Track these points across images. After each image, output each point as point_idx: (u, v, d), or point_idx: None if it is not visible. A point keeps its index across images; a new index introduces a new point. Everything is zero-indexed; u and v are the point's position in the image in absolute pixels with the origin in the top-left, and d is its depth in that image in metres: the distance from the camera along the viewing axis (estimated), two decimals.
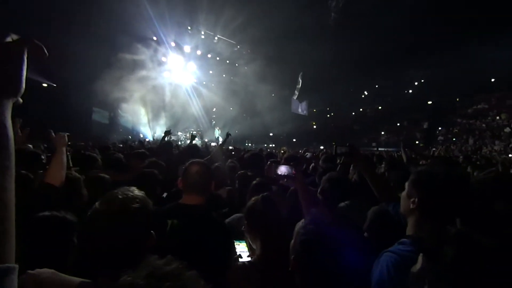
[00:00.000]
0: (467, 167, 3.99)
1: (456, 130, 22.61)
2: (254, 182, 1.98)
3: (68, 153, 2.75)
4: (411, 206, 1.12)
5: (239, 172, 2.55)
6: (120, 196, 0.94)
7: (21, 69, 0.44)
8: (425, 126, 25.05)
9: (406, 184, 1.19)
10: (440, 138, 22.86)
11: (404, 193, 1.20)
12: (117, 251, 0.88)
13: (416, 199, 1.10)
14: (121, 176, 2.63)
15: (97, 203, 0.95)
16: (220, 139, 21.93)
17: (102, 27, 15.38)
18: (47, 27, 12.01)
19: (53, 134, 2.01)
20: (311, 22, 21.47)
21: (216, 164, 2.88)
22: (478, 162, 5.28)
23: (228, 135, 4.27)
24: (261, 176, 2.18)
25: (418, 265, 0.79)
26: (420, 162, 4.06)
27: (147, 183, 1.92)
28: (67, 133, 1.92)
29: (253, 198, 1.36)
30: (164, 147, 3.55)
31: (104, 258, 0.89)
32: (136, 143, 8.44)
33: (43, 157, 2.62)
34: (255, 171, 2.60)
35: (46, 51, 0.46)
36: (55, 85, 14.91)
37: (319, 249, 0.96)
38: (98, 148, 5.35)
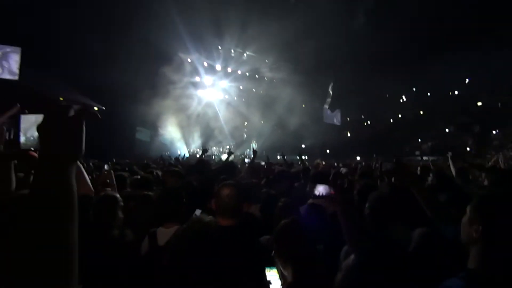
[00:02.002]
0: None
1: None
2: (280, 204, 1.93)
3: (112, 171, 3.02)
4: (474, 234, 0.99)
5: (262, 191, 2.51)
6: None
7: (82, 137, 0.58)
8: (476, 130, 22.53)
9: (468, 208, 1.07)
10: (495, 142, 20.34)
11: (465, 219, 1.06)
12: None
13: (480, 227, 0.97)
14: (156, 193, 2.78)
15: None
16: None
17: (142, 54, 16.95)
18: (98, 59, 13.62)
19: None
20: (340, 30, 21.12)
21: (248, 181, 2.89)
22: None
23: (255, 152, 4.28)
24: (286, 195, 2.12)
25: None
26: (471, 175, 3.62)
27: (171, 201, 1.99)
28: None
29: (282, 221, 1.33)
30: (198, 166, 3.66)
31: None
32: (173, 160, 8.90)
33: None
34: (279, 189, 2.55)
35: (99, 115, 0.61)
36: (104, 108, 16.61)
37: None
38: (138, 166, 5.78)
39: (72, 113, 0.57)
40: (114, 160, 7.29)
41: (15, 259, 0.47)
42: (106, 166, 2.88)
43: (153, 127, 20.40)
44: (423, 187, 1.61)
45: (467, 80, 25.91)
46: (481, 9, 18.48)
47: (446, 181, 2.96)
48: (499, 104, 22.94)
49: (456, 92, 26.77)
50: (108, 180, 2.77)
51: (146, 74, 17.28)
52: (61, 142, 0.55)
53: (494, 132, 21.52)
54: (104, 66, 13.93)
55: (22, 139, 0.72)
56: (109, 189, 2.51)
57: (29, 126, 0.71)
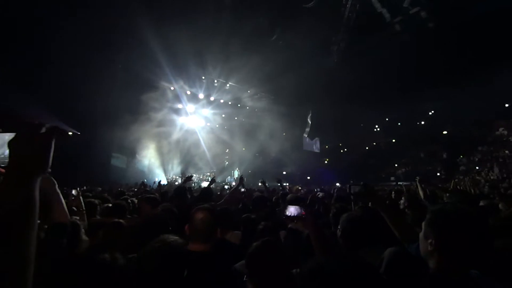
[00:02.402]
0: (494, 198, 3.72)
1: (477, 159, 21.56)
2: (260, 227, 1.91)
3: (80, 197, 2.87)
4: (429, 248, 1.06)
5: (242, 216, 2.49)
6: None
7: (50, 152, 0.62)
8: (444, 156, 24.13)
9: (423, 224, 1.14)
10: (462, 168, 21.76)
11: (421, 234, 1.14)
12: None
13: (433, 241, 1.04)
14: (130, 220, 2.66)
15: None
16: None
17: (123, 80, 16.94)
18: (73, 80, 13.34)
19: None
20: (317, 64, 22.66)
21: (224, 206, 2.85)
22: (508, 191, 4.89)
23: (242, 178, 4.29)
24: (265, 219, 2.12)
25: None
26: (441, 196, 3.84)
27: (155, 229, 1.91)
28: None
29: (253, 244, 1.32)
30: (178, 192, 3.58)
31: None
32: (151, 187, 8.57)
33: None
34: (259, 214, 2.54)
35: (68, 133, 0.62)
36: (79, 133, 15.96)
37: None
38: (113, 193, 5.51)
39: (43, 130, 0.62)
40: (85, 187, 6.90)
41: None
42: (73, 192, 2.72)
43: (131, 153, 19.75)
44: (390, 209, 1.69)
45: (431, 111, 28.33)
46: (444, 50, 20.90)
47: (416, 203, 3.11)
48: (463, 132, 25.03)
49: (422, 122, 28.96)
50: (74, 208, 2.61)
51: (126, 100, 17.13)
52: (28, 156, 0.59)
53: (460, 157, 23.11)
54: (81, 90, 13.67)
55: None
56: (77, 217, 2.36)
57: (2, 144, 0.73)
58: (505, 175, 16.04)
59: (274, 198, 4.69)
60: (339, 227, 1.76)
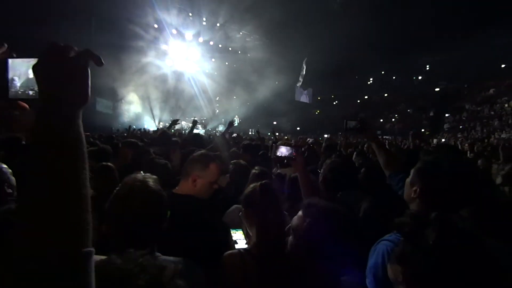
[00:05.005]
0: (471, 155, 3.92)
1: (464, 118, 22.12)
2: (254, 171, 1.96)
3: None
4: (413, 194, 1.11)
5: (232, 162, 2.55)
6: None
7: (88, 80, 0.50)
8: (431, 113, 24.59)
9: (411, 171, 1.18)
10: (446, 126, 22.44)
11: (407, 180, 1.19)
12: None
13: (418, 188, 1.09)
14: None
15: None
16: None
17: (103, 17, 15.17)
18: (51, 19, 11.92)
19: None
20: (315, 8, 20.86)
21: (216, 152, 2.86)
22: (485, 152, 5.13)
23: (230, 123, 4.24)
24: (257, 165, 2.19)
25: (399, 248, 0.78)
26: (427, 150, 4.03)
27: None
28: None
29: (251, 185, 1.35)
30: (162, 138, 3.54)
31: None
32: (139, 132, 8.48)
33: None
34: (250, 161, 2.59)
35: (102, 60, 0.53)
36: None
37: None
38: (102, 138, 5.42)
39: (73, 53, 0.49)
40: None
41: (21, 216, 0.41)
42: None
43: (116, 98, 18.91)
44: (381, 142, 1.72)
45: (428, 67, 27.76)
46: (445, 5, 19.55)
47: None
48: (454, 91, 25.09)
49: (418, 78, 28.59)
50: None
51: (107, 40, 15.63)
52: (65, 84, 0.47)
53: (446, 115, 23.65)
54: (59, 29, 12.31)
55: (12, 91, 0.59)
56: None
57: (18, 75, 0.57)
58: (485, 135, 16.74)
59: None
60: (320, 173, 1.83)
